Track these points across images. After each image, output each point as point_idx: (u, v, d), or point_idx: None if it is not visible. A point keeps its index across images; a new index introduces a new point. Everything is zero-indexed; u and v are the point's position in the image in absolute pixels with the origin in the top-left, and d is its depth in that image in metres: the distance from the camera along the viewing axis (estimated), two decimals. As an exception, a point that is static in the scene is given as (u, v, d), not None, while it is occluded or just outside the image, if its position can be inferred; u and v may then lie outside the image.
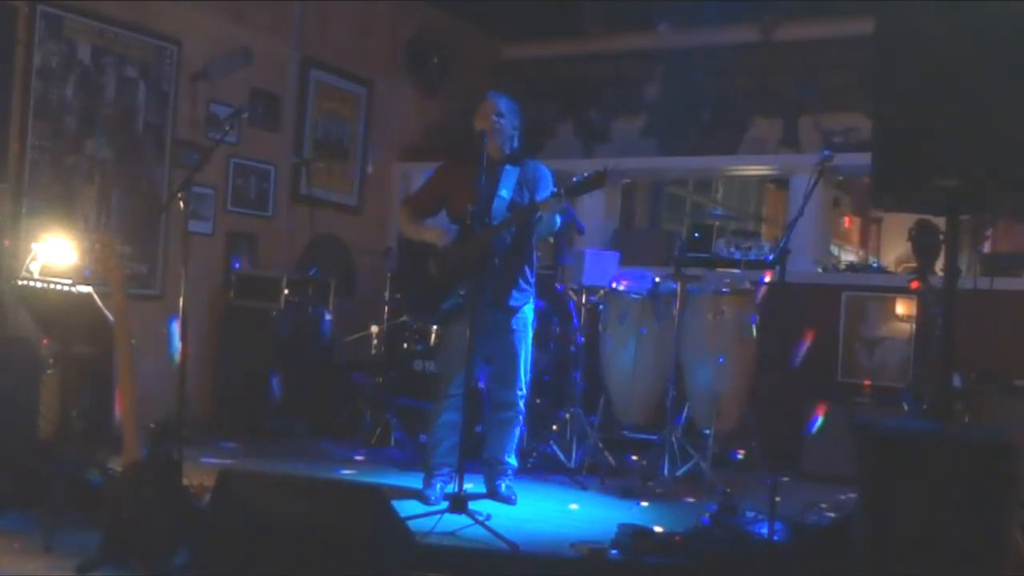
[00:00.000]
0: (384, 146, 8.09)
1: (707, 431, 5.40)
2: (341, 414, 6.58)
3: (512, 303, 4.72)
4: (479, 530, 3.97)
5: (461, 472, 4.18)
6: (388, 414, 6.13)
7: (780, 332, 5.26)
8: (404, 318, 6.27)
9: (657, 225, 9.50)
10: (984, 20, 3.06)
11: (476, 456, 4.83)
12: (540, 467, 5.50)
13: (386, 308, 6.64)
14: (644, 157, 7.98)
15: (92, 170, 5.96)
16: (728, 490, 4.81)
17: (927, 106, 3.09)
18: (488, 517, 4.16)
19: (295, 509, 3.42)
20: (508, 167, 4.74)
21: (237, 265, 6.74)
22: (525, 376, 4.80)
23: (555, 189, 4.48)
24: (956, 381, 4.54)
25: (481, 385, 5.16)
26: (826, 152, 4.31)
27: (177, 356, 4.07)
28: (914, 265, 6.55)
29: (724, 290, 5.61)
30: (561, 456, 5.56)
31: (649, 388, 5.71)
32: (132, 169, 6.18)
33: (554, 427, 5.71)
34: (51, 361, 4.73)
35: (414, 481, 4.88)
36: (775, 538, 3.75)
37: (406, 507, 4.27)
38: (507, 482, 4.81)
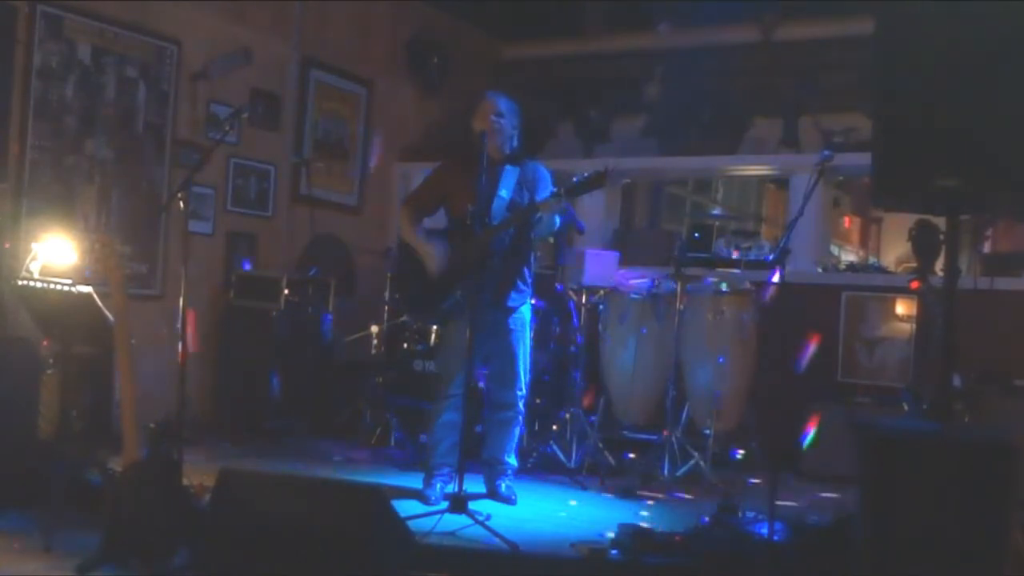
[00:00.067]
0: (385, 144, 8.09)
1: (707, 431, 5.40)
2: (341, 414, 6.58)
3: (510, 303, 4.72)
4: (479, 530, 3.97)
5: (461, 472, 4.18)
6: (388, 414, 6.13)
7: (780, 332, 5.26)
8: (404, 318, 6.27)
9: (657, 225, 9.50)
10: (984, 20, 3.05)
11: (476, 456, 4.83)
12: (540, 467, 5.50)
13: (386, 308, 6.64)
14: (644, 157, 7.98)
15: (92, 170, 5.96)
16: (734, 483, 4.81)
17: (927, 106, 3.08)
18: (488, 517, 4.16)
19: (295, 509, 3.42)
20: (508, 167, 4.74)
21: (247, 266, 6.74)
22: (524, 376, 4.80)
23: (555, 189, 4.48)
24: (956, 381, 4.54)
25: (481, 385, 5.15)
26: (826, 152, 4.31)
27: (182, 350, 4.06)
28: (914, 265, 6.55)
29: (724, 290, 5.61)
30: (561, 456, 5.56)
31: (649, 388, 5.71)
32: (132, 169, 6.18)
33: (554, 427, 5.71)
34: (51, 361, 4.73)
35: (414, 481, 4.88)
36: (775, 538, 3.74)
37: (406, 507, 4.26)
38: (507, 482, 4.81)
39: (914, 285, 5.56)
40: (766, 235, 8.92)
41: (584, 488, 5.13)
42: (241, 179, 6.92)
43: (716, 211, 9.51)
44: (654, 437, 5.44)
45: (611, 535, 3.94)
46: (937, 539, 2.91)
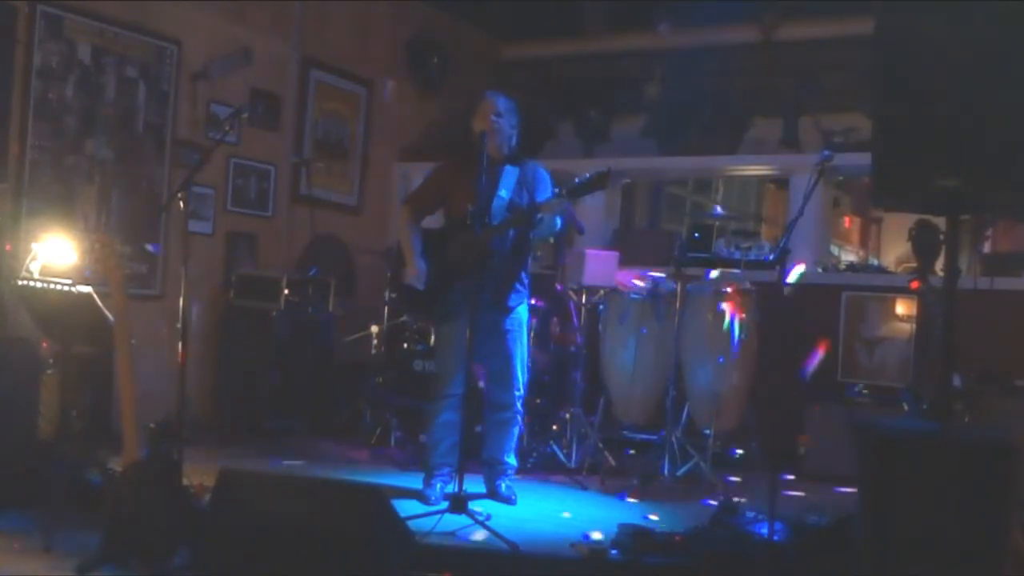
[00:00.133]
0: (384, 142, 8.09)
1: (707, 431, 5.40)
2: (341, 414, 6.58)
3: (509, 303, 4.72)
4: (479, 530, 3.97)
5: (461, 472, 4.18)
6: (388, 414, 6.13)
7: (780, 332, 5.26)
8: (404, 318, 6.27)
9: (657, 225, 9.50)
10: (984, 20, 3.05)
11: (476, 456, 4.83)
12: (540, 467, 5.50)
13: (386, 308, 6.64)
14: (644, 157, 7.98)
15: (92, 170, 5.96)
16: (736, 483, 4.81)
17: (927, 106, 3.08)
18: (488, 517, 4.16)
19: (295, 509, 3.42)
20: (508, 167, 4.74)
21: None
22: (522, 376, 4.80)
23: (557, 190, 4.47)
24: (956, 381, 4.54)
25: (481, 385, 5.16)
26: (826, 152, 4.31)
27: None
28: (914, 265, 6.56)
29: (724, 290, 5.61)
30: (561, 456, 5.56)
31: (649, 388, 5.71)
32: (132, 169, 6.18)
33: (554, 427, 5.71)
34: (51, 361, 4.74)
35: (414, 481, 4.88)
36: (775, 538, 3.74)
37: (406, 507, 4.26)
38: (507, 482, 4.81)
39: (914, 285, 5.56)
40: (766, 235, 8.92)
41: (584, 488, 5.13)
42: (241, 179, 6.92)
43: (716, 211, 9.50)
44: (654, 437, 5.44)
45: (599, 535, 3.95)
46: (937, 539, 2.91)
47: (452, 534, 3.97)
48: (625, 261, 5.98)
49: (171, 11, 6.36)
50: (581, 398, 5.68)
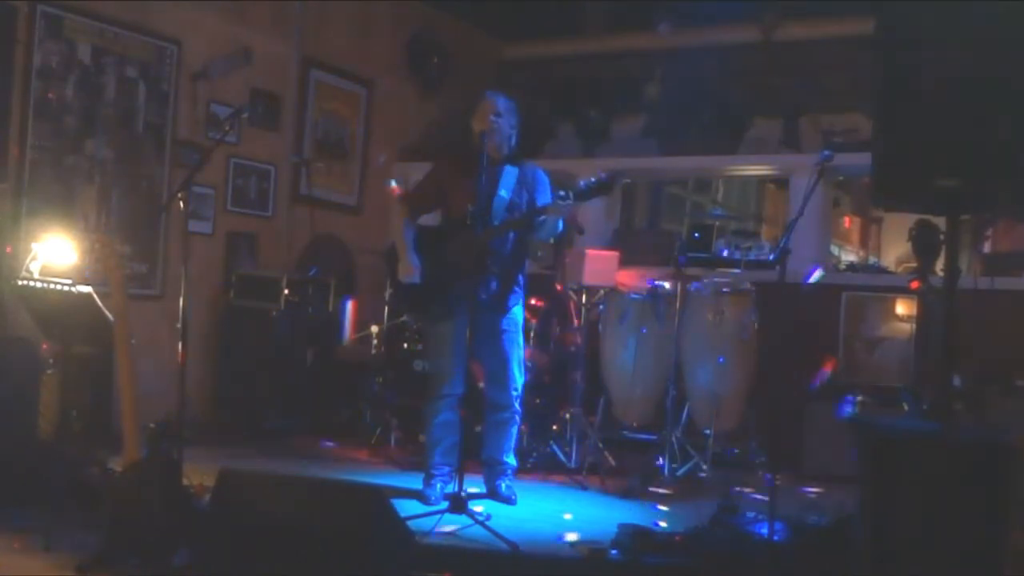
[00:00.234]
0: (384, 143, 8.09)
1: (707, 431, 5.40)
2: (341, 414, 6.58)
3: (508, 304, 4.72)
4: (479, 530, 3.97)
5: (461, 472, 4.18)
6: (388, 414, 6.13)
7: (780, 332, 5.26)
8: (404, 318, 6.27)
9: (657, 225, 9.49)
10: (984, 20, 3.05)
11: (476, 456, 4.83)
12: (540, 467, 5.50)
13: (386, 308, 6.64)
14: (644, 157, 7.98)
15: (92, 170, 5.96)
16: (739, 488, 4.82)
17: (927, 106, 3.08)
18: (488, 517, 4.16)
19: (295, 509, 3.42)
20: (507, 167, 4.74)
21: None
22: (519, 376, 4.80)
23: (563, 193, 4.46)
24: (956, 381, 4.54)
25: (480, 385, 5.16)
26: (826, 152, 4.31)
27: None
28: (914, 265, 6.55)
29: (724, 290, 5.62)
30: (561, 456, 5.56)
31: (649, 388, 5.71)
32: (132, 169, 6.18)
33: (554, 427, 5.71)
34: (51, 361, 4.74)
35: (414, 481, 4.88)
36: (775, 538, 3.74)
37: (406, 507, 4.27)
38: (507, 482, 4.81)
39: (914, 285, 5.55)
40: (766, 235, 8.92)
41: (584, 488, 5.13)
42: (241, 179, 6.92)
43: (716, 211, 9.50)
44: (654, 437, 5.44)
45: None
46: (937, 539, 2.92)
47: (452, 534, 3.97)
48: (625, 261, 5.98)
49: (171, 11, 6.36)
50: (581, 398, 5.68)
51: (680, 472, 5.22)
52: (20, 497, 4.16)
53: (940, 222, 3.44)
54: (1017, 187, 3.06)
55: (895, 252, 10.27)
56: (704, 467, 5.22)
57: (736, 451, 5.63)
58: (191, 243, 5.93)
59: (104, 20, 5.97)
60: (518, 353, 4.80)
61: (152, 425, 3.93)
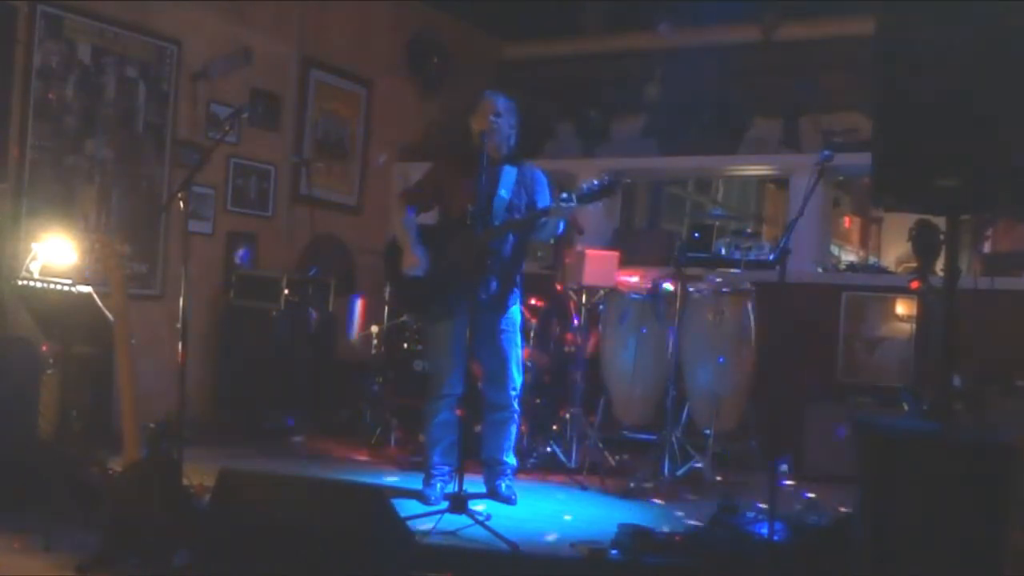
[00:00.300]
0: (384, 143, 8.09)
1: (707, 431, 5.40)
2: (341, 414, 6.58)
3: (507, 303, 4.72)
4: (479, 530, 3.97)
5: (461, 472, 4.18)
6: (388, 414, 6.13)
7: (780, 332, 5.26)
8: (404, 318, 6.27)
9: (657, 225, 9.49)
10: (984, 20, 3.06)
11: (476, 456, 4.83)
12: (540, 467, 5.50)
13: (386, 308, 6.64)
14: (644, 157, 7.98)
15: (92, 170, 5.96)
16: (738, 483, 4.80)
17: (927, 106, 3.09)
18: (488, 517, 4.17)
19: (295, 509, 3.42)
20: (506, 167, 4.74)
21: (246, 257, 6.73)
22: (518, 376, 4.81)
23: (565, 195, 4.46)
24: (956, 381, 4.54)
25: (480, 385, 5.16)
26: (826, 152, 4.31)
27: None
28: (914, 265, 6.54)
29: (724, 290, 5.61)
30: (561, 456, 5.56)
31: (649, 388, 5.71)
32: (132, 169, 6.18)
33: (554, 427, 5.71)
34: (51, 361, 4.74)
35: (414, 481, 4.89)
36: (775, 538, 3.74)
37: (406, 507, 4.27)
38: (507, 482, 4.81)
39: (914, 285, 5.55)
40: (766, 235, 8.92)
41: (584, 488, 5.13)
42: (241, 179, 6.92)
43: (716, 211, 9.50)
44: (654, 437, 5.44)
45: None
46: (937, 539, 2.92)
47: (452, 534, 3.97)
48: (625, 261, 5.98)
49: (171, 11, 6.36)
50: (581, 398, 5.68)
51: (680, 472, 5.22)
52: (20, 497, 4.16)
53: (940, 222, 3.44)
54: (1017, 187, 3.06)
55: (895, 252, 10.27)
56: (704, 467, 5.21)
57: (737, 453, 5.63)
58: (191, 243, 5.93)
59: (104, 20, 5.97)
60: (516, 353, 4.80)
61: (152, 425, 3.93)
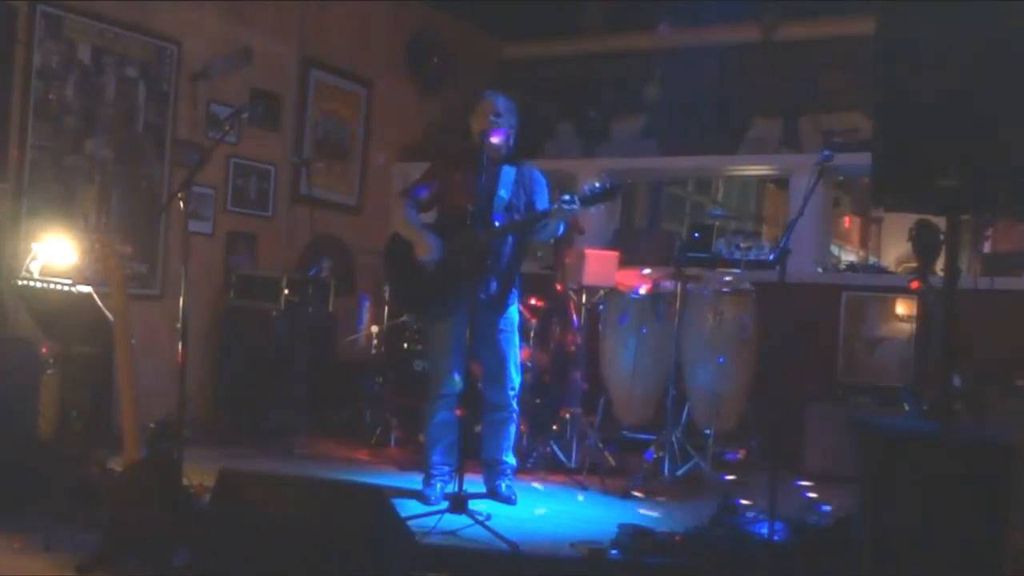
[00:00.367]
0: (384, 143, 8.09)
1: (707, 431, 5.40)
2: (341, 414, 6.58)
3: (506, 303, 4.72)
4: (479, 530, 3.97)
5: (461, 472, 4.18)
6: (388, 414, 6.13)
7: (780, 332, 5.26)
8: (404, 318, 6.27)
9: (657, 225, 9.49)
10: (984, 20, 3.06)
11: (475, 456, 4.83)
12: (540, 467, 5.50)
13: (386, 308, 6.64)
14: (644, 157, 7.98)
15: (92, 170, 5.96)
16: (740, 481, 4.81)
17: (927, 106, 3.09)
18: (488, 517, 4.17)
19: (295, 509, 3.41)
20: (506, 167, 4.74)
21: (242, 261, 6.75)
22: (516, 375, 4.81)
23: (567, 197, 4.45)
24: (956, 381, 4.54)
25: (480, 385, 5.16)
26: (826, 152, 4.31)
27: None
28: (914, 265, 6.54)
29: (724, 290, 5.61)
30: (561, 456, 5.56)
31: (649, 388, 5.71)
32: (132, 169, 6.18)
33: (554, 427, 5.71)
34: (51, 361, 4.74)
35: (414, 481, 4.89)
36: (775, 538, 3.74)
37: (406, 507, 4.27)
38: (507, 482, 4.81)
39: (914, 285, 5.56)
40: (766, 235, 8.92)
41: (584, 488, 5.13)
42: (241, 179, 6.92)
43: (716, 211, 9.51)
44: (654, 437, 5.43)
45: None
46: (937, 539, 2.92)
47: (452, 534, 3.97)
48: (625, 261, 5.98)
49: (171, 11, 6.36)
50: (581, 398, 5.68)
51: (680, 472, 5.22)
52: (20, 497, 4.16)
53: (940, 222, 3.44)
54: (1017, 187, 3.06)
55: (895, 252, 10.27)
56: (704, 467, 5.21)
57: (738, 455, 5.63)
58: (191, 243, 5.93)
59: (104, 20, 5.97)
60: (515, 352, 4.81)
61: (152, 425, 3.93)
